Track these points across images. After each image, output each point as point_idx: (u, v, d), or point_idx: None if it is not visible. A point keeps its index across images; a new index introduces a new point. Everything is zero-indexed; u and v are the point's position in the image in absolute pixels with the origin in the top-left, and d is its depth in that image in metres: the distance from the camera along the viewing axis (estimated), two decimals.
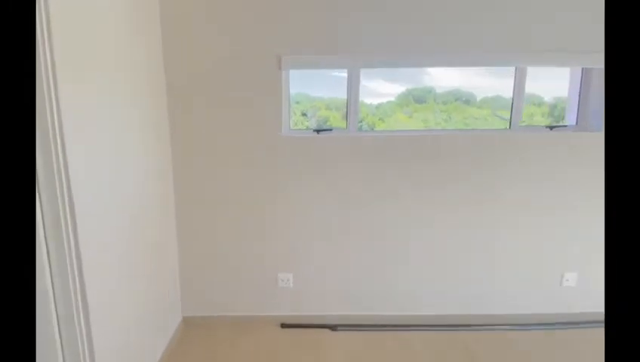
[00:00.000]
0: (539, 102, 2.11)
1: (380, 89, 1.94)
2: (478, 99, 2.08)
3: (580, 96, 2.12)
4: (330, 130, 1.85)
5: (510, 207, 1.91)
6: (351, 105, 1.86)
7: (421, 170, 1.82)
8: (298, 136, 1.81)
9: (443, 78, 2.01)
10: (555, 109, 2.12)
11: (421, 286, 1.92)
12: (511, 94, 1.92)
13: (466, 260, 1.97)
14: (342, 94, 1.81)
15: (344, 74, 1.83)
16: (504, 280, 2.03)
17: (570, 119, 2.15)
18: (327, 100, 2.00)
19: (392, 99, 1.96)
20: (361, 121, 1.88)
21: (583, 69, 2.12)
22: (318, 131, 1.82)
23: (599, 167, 2.10)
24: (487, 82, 2.08)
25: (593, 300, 2.23)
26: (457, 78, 2.06)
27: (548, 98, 2.11)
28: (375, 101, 1.92)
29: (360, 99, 1.81)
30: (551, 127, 2.05)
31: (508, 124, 1.99)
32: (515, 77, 1.92)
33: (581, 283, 2.21)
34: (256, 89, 1.73)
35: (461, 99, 2.08)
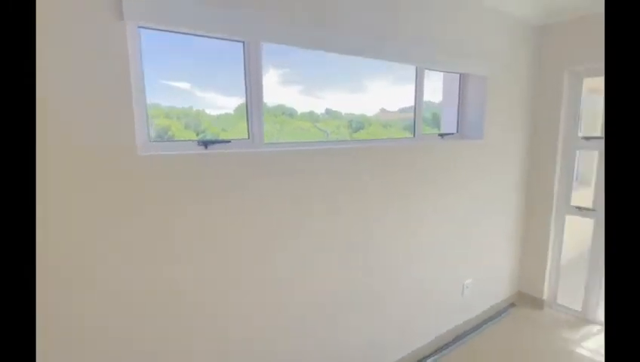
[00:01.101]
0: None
1: (218, 101, 1.87)
2: (299, 113, 2.34)
3: (458, 104, 2.34)
4: (229, 141, 1.48)
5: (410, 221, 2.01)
6: (252, 105, 1.51)
7: (333, 184, 1.69)
8: (173, 156, 1.21)
9: (273, 93, 2.14)
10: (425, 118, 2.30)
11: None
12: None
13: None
14: (181, 104, 1.63)
15: (184, 84, 1.65)
16: (408, 312, 2.12)
17: (449, 128, 2.37)
18: (165, 108, 1.75)
19: (231, 111, 1.94)
20: (204, 131, 1.74)
21: (460, 76, 2.37)
22: (206, 145, 1.39)
23: (486, 173, 2.46)
24: (305, 99, 2.35)
25: (485, 298, 2.77)
26: (283, 94, 2.22)
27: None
28: (214, 112, 1.83)
29: (201, 108, 1.68)
30: (442, 135, 2.26)
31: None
32: (415, 85, 2.05)
33: (475, 286, 2.60)
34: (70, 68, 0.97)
35: (286, 113, 2.28)
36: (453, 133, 2.35)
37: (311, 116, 2.32)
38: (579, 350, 2.41)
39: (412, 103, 2.16)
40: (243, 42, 1.43)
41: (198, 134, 1.73)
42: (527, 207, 2.96)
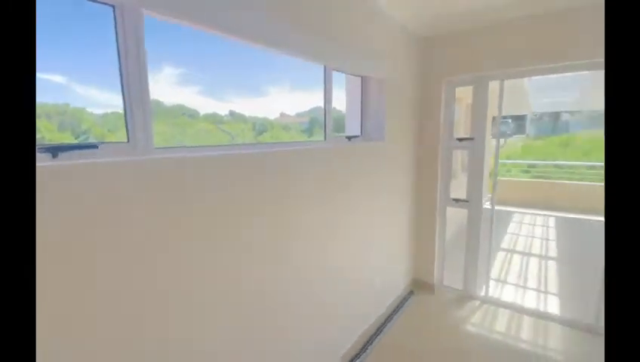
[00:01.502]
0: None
1: (101, 98, 1.60)
2: (202, 114, 2.18)
3: (362, 108, 2.35)
4: (95, 147, 1.08)
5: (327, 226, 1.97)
6: (131, 98, 1.14)
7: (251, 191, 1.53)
8: None
9: (170, 93, 1.95)
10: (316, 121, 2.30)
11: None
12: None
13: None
14: (54, 100, 1.35)
15: (57, 77, 1.36)
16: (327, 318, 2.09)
17: (352, 130, 2.38)
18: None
19: (119, 110, 1.68)
20: (85, 132, 1.47)
21: (362, 80, 2.36)
22: (55, 152, 0.97)
23: (387, 173, 2.55)
24: (206, 100, 2.21)
25: (391, 291, 2.92)
26: (181, 94, 2.06)
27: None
28: (98, 110, 1.56)
29: (81, 106, 1.41)
30: (349, 138, 2.26)
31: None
32: (325, 86, 2.00)
33: (383, 281, 2.70)
34: None
35: (187, 114, 2.11)
36: (358, 136, 2.49)
37: (214, 118, 2.20)
38: (466, 326, 2.78)
39: (308, 108, 2.22)
40: (113, 6, 1.10)
41: (78, 136, 1.46)
42: (417, 202, 3.32)
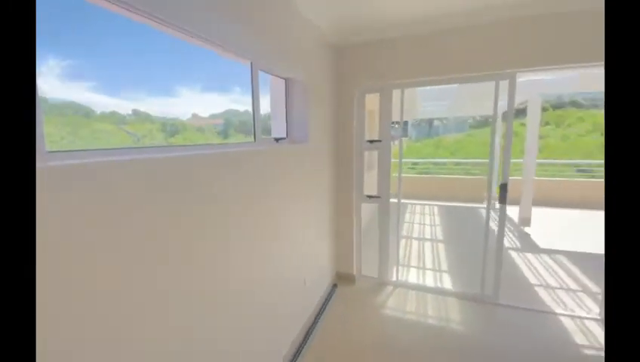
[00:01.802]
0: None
1: None
2: (98, 113, 1.80)
3: (287, 110, 2.22)
4: None
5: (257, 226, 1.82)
6: None
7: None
8: None
9: (58, 87, 1.55)
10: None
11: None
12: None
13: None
14: None
15: None
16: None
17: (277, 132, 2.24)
18: None
19: None
20: None
21: (286, 82, 2.18)
22: None
23: (311, 174, 2.48)
24: (103, 98, 1.85)
25: (319, 287, 2.89)
26: (70, 90, 1.66)
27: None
28: None
29: None
30: (277, 140, 2.12)
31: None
32: (252, 86, 1.85)
33: (312, 279, 2.65)
34: None
35: (80, 113, 1.70)
36: (284, 138, 2.41)
37: (115, 117, 1.85)
38: (385, 310, 2.98)
39: (222, 110, 2.08)
40: None
41: None
42: (336, 200, 3.43)
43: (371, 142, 3.33)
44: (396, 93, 3.19)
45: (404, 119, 3.52)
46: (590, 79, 4.36)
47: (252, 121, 1.99)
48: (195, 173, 1.39)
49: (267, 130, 2.52)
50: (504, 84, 2.76)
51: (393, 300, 3.14)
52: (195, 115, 2.07)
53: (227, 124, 2.24)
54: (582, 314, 2.80)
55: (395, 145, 3.24)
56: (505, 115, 2.94)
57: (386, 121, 3.25)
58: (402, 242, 4.87)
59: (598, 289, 3.22)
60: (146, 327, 1.15)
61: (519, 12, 2.46)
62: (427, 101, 6.79)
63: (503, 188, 2.87)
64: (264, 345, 1.99)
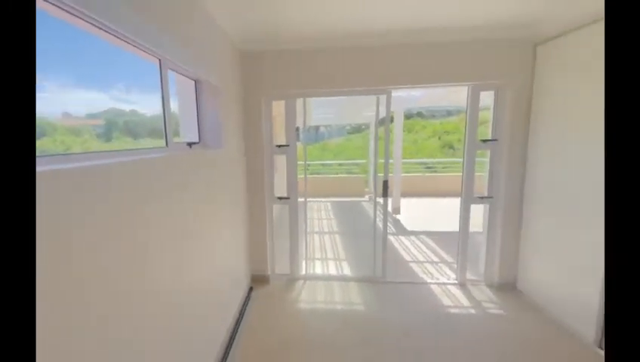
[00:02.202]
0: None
1: None
2: None
3: (198, 113, 2.06)
4: None
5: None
6: None
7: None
8: None
9: None
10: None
11: None
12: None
13: None
14: None
15: None
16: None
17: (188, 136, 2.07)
18: None
19: None
20: None
21: (196, 84, 2.01)
22: None
23: (225, 180, 2.41)
24: None
25: (236, 292, 2.68)
26: None
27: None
28: None
29: None
30: (189, 144, 1.97)
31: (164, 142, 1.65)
32: (161, 84, 1.64)
33: (231, 284, 2.31)
34: None
35: None
36: (197, 143, 2.26)
37: None
38: (299, 304, 3.14)
39: (102, 109, 1.79)
40: None
41: None
42: (250, 204, 3.40)
43: (279, 146, 3.44)
44: (298, 102, 3.39)
45: (300, 125, 3.76)
46: (431, 96, 5.60)
47: (141, 122, 1.81)
48: (100, 186, 1.23)
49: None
50: (382, 98, 3.28)
51: (305, 293, 3.34)
52: (66, 114, 1.74)
53: (110, 126, 1.95)
54: (444, 280, 3.58)
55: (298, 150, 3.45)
56: (381, 122, 3.49)
57: (292, 127, 3.41)
58: (309, 238, 5.15)
59: (452, 259, 4.16)
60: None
61: (391, 40, 3.01)
62: (317, 109, 7.30)
63: (385, 184, 3.40)
64: (188, 358, 1.88)
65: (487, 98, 3.24)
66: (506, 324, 2.74)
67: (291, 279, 3.63)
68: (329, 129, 14.93)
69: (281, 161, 3.76)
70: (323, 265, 4.08)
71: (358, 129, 13.72)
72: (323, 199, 8.55)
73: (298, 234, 3.59)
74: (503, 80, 3.06)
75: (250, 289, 3.38)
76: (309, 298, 3.25)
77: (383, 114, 3.36)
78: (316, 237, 5.31)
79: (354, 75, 3.14)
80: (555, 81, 2.76)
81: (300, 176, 3.72)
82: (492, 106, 3.25)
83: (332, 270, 3.92)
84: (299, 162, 3.57)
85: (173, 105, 2.10)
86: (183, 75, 2.09)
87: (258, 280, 3.57)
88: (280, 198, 3.52)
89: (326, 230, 5.72)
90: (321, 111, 7.53)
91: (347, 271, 3.90)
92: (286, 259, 3.63)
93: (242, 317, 2.83)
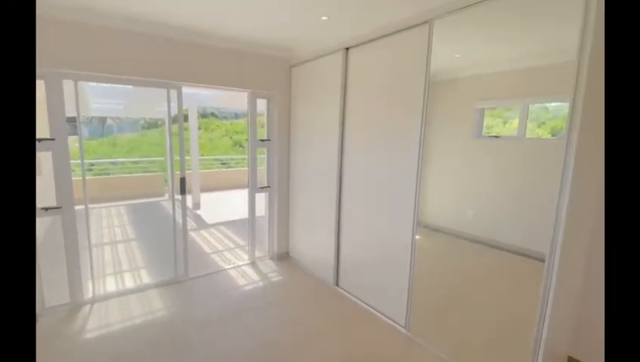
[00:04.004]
0: None
1: None
2: None
3: None
4: None
5: None
6: None
7: None
8: None
9: None
10: None
11: None
12: None
13: None
14: None
15: None
16: None
17: None
18: None
19: None
20: None
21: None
22: None
23: None
24: None
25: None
26: None
27: None
28: None
29: None
30: None
31: None
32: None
33: None
34: None
35: None
36: None
37: None
38: (85, 335, 2.56)
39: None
40: None
41: None
42: None
43: (40, 140, 2.56)
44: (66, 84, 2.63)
45: (72, 115, 2.85)
46: (222, 98, 5.87)
47: None
48: None
49: None
50: (173, 93, 3.12)
51: (93, 319, 2.74)
52: None
53: None
54: (240, 263, 3.93)
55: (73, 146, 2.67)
56: (174, 119, 3.34)
57: (59, 116, 2.61)
58: (94, 252, 4.13)
59: (244, 243, 4.53)
60: None
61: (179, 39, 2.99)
62: (99, 98, 5.85)
63: (182, 181, 3.29)
64: None
65: (262, 105, 3.75)
66: (282, 284, 3.39)
67: (73, 308, 2.89)
68: (119, 122, 12.07)
69: (46, 159, 2.80)
70: (117, 280, 3.47)
71: (154, 124, 11.92)
72: (114, 203, 7.03)
73: (78, 250, 2.87)
74: (272, 91, 3.64)
75: None
76: (99, 323, 2.68)
77: (176, 110, 3.18)
78: (107, 249, 4.39)
79: (143, 63, 2.83)
80: (303, 95, 3.58)
81: (78, 178, 2.95)
82: (265, 112, 3.79)
83: (129, 283, 3.41)
84: (74, 161, 2.79)
85: None
86: None
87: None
88: (46, 209, 2.67)
89: (120, 238, 4.82)
90: (104, 100, 6.08)
91: (147, 279, 3.51)
92: (63, 284, 2.84)
93: None
